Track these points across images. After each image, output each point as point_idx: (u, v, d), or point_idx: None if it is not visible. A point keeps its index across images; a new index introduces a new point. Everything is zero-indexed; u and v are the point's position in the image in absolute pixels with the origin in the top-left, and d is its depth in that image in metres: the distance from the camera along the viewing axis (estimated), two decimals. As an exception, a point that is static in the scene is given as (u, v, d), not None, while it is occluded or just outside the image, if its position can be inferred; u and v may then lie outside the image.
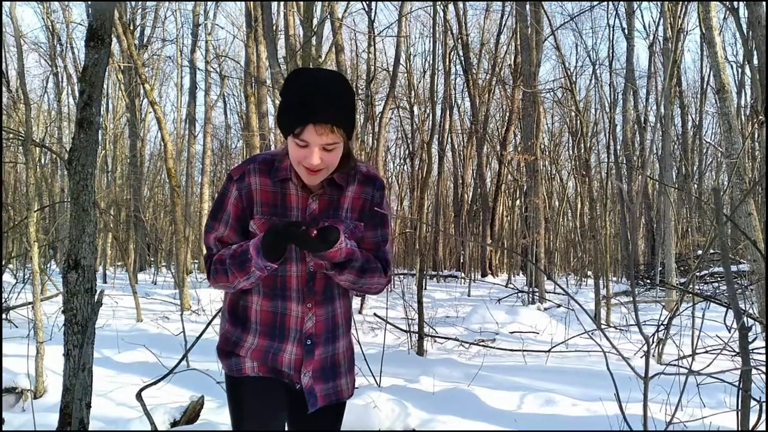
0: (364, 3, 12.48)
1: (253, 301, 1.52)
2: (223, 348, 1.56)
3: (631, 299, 9.88)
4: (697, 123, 21.27)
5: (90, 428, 2.83)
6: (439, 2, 8.57)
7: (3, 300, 7.32)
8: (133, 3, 16.99)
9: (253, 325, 1.52)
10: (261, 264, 1.40)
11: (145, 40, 19.21)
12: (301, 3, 11.03)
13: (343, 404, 1.63)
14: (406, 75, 22.41)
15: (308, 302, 1.50)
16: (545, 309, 9.11)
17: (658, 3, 12.22)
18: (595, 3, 14.69)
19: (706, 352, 2.60)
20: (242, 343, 1.52)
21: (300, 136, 1.36)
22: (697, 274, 10.28)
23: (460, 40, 20.45)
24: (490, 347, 5.79)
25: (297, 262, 1.49)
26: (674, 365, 1.72)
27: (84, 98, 2.72)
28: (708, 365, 1.76)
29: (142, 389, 2.93)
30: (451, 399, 3.87)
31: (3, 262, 8.91)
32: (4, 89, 20.60)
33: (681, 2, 10.11)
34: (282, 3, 12.49)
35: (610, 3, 13.50)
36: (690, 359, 3.82)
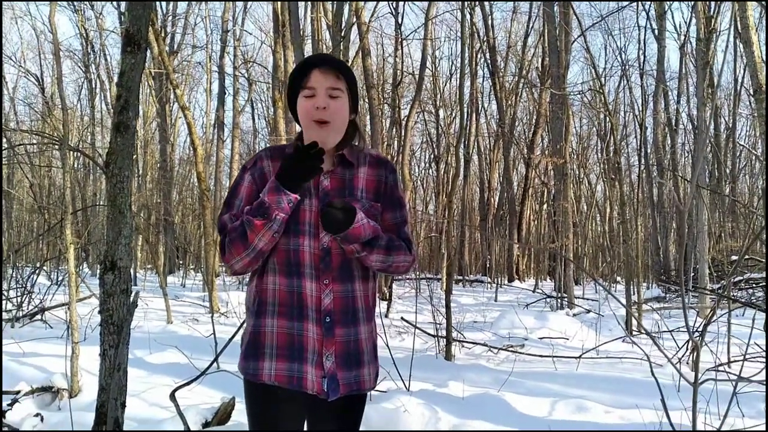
0: (391, 6, 12.50)
1: (269, 282, 1.49)
2: (244, 350, 1.54)
3: (663, 305, 9.65)
4: (731, 125, 20.79)
5: (124, 428, 2.87)
6: (467, 3, 8.53)
7: (40, 301, 7.50)
8: (165, 10, 17.33)
9: (270, 307, 1.49)
10: (283, 200, 1.41)
11: (176, 46, 19.56)
12: (330, 8, 11.10)
13: (364, 397, 1.59)
14: (431, 78, 22.38)
15: (324, 278, 1.47)
16: (574, 315, 8.98)
17: (690, 3, 11.98)
18: (625, 4, 14.46)
19: (745, 359, 2.53)
20: (264, 331, 1.49)
21: (307, 84, 1.47)
22: (732, 279, 10.01)
23: (486, 43, 20.35)
24: (520, 353, 5.72)
25: (310, 237, 1.47)
26: (722, 371, 1.67)
27: (121, 102, 2.77)
28: (757, 373, 1.70)
29: (175, 390, 2.96)
30: (481, 404, 3.83)
31: (29, 265, 9.13)
32: (39, 95, 21.16)
33: (714, 1, 9.90)
34: (309, 8, 12.60)
35: (640, 4, 13.28)
36: (729, 366, 3.73)
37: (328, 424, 1.55)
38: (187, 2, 19.39)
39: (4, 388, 3.68)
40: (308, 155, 1.42)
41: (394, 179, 1.60)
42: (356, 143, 1.61)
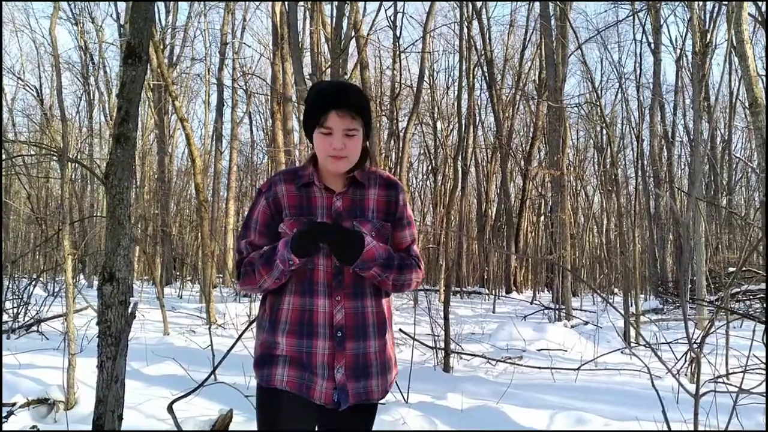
0: (389, 20, 12.59)
1: (284, 302, 1.57)
2: (257, 359, 1.60)
3: (661, 317, 9.65)
4: (726, 138, 20.90)
5: (121, 440, 2.85)
6: (465, 17, 8.61)
7: (37, 312, 7.47)
8: (164, 23, 17.42)
9: (281, 326, 1.55)
10: (286, 256, 1.48)
11: (175, 58, 19.64)
12: (329, 22, 11.18)
13: (374, 407, 1.64)
14: (429, 91, 22.49)
15: (337, 295, 1.54)
16: (572, 326, 8.96)
17: (686, 17, 12.10)
18: (623, 18, 14.59)
19: (746, 371, 2.53)
20: (276, 347, 1.56)
21: (324, 124, 1.52)
22: (730, 291, 10.02)
23: (484, 56, 20.48)
24: (518, 364, 5.70)
25: (324, 257, 1.54)
26: (721, 383, 1.67)
27: (121, 114, 2.78)
28: (758, 385, 1.70)
29: (173, 402, 2.95)
30: (480, 416, 3.82)
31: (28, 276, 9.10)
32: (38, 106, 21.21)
33: (710, 16, 9.99)
34: (308, 21, 12.69)
35: (637, 17, 13.41)
36: (727, 378, 3.73)
37: (338, 427, 1.60)
38: (187, 14, 19.50)
39: None
40: (319, 231, 1.50)
41: (403, 199, 1.66)
42: (367, 165, 1.67)
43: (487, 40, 20.57)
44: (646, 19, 14.10)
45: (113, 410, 2.80)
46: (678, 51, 17.15)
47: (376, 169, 1.66)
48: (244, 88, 21.27)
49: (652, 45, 15.46)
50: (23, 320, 7.28)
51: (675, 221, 18.76)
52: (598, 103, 9.48)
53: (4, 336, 6.61)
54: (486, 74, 21.05)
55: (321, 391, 1.52)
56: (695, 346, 4.67)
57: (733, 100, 19.42)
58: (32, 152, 11.99)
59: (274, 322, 1.57)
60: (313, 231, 1.48)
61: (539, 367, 5.47)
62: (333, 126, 1.51)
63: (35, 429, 2.71)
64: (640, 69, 17.69)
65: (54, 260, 11.70)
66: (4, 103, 23.45)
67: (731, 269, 12.18)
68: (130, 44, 2.79)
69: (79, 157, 19.74)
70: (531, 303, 14.88)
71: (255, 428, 1.70)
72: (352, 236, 1.50)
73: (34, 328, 7.08)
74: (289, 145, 13.06)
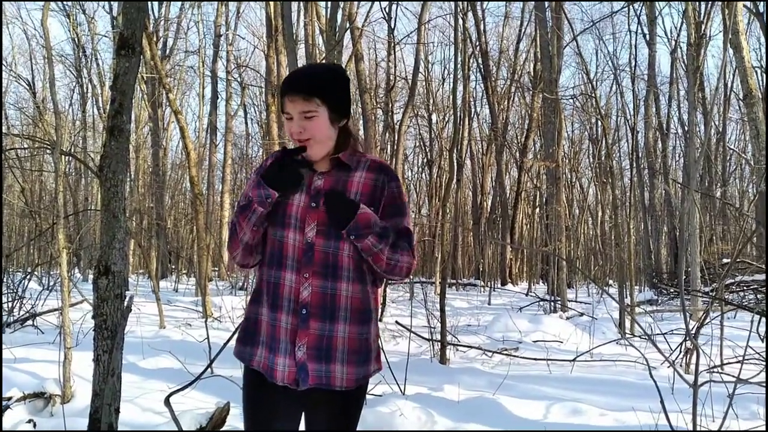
0: (384, 11, 12.53)
1: (263, 273, 1.59)
2: (239, 333, 1.63)
3: (656, 308, 9.69)
4: (721, 129, 20.95)
5: (118, 433, 2.84)
6: (460, 9, 8.58)
7: (32, 306, 7.44)
8: (157, 14, 17.28)
9: (260, 297, 1.58)
10: (262, 194, 1.51)
11: (168, 50, 19.50)
12: (323, 13, 11.12)
13: (340, 398, 1.55)
14: (424, 83, 22.43)
15: (305, 272, 1.52)
16: (568, 318, 9.00)
17: (680, 9, 12.10)
18: (618, 8, 14.57)
19: (744, 361, 2.54)
20: (253, 317, 1.59)
21: (284, 110, 1.56)
22: (724, 282, 10.07)
23: (479, 48, 20.43)
24: (514, 356, 5.72)
25: (296, 231, 1.54)
26: (716, 373, 1.67)
27: (115, 106, 2.76)
28: (757, 374, 1.71)
29: (170, 395, 2.94)
30: (477, 408, 3.83)
31: (27, 270, 9.06)
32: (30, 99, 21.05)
33: (705, 7, 9.99)
34: (302, 13, 12.61)
35: (632, 8, 13.39)
36: (722, 368, 3.75)
37: (313, 420, 1.59)
38: (180, 6, 19.35)
39: (-5, 395, 3.65)
40: (291, 156, 1.54)
41: (396, 186, 1.61)
42: (358, 149, 1.65)
43: (482, 32, 20.52)
44: (641, 11, 14.09)
45: (110, 403, 2.79)
46: (673, 42, 17.16)
47: (367, 154, 1.64)
48: (239, 80, 21.16)
49: (647, 36, 15.47)
50: (18, 314, 7.25)
51: (669, 213, 18.84)
52: (593, 95, 9.47)
53: (-1, 330, 6.59)
54: (481, 66, 21.00)
55: (283, 372, 1.50)
56: (692, 335, 4.70)
57: (728, 92, 19.45)
58: (25, 145, 11.91)
59: (255, 292, 1.60)
60: (293, 162, 1.52)
61: (535, 359, 5.49)
62: (290, 111, 1.54)
63: (32, 422, 2.70)
64: (635, 60, 17.67)
65: (48, 254, 11.64)
66: (-4, 96, 23.27)
67: (725, 260, 12.25)
68: (123, 35, 2.76)
69: (72, 150, 19.64)
70: (526, 295, 14.93)
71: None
72: (345, 196, 1.52)
73: (29, 322, 7.06)
74: (284, 137, 13.01)
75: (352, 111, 1.66)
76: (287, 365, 1.50)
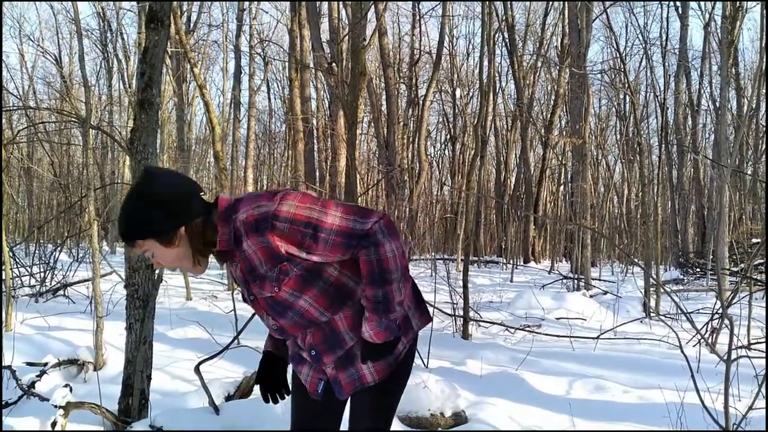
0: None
1: None
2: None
3: (682, 288, 9.55)
4: (754, 106, 20.34)
5: (150, 400, 2.93)
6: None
7: (63, 277, 7.64)
8: (181, -12, 17.23)
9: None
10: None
11: (192, 25, 19.51)
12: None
13: (374, 390, 1.60)
14: (448, 57, 22.14)
15: (297, 337, 1.63)
16: (591, 296, 8.94)
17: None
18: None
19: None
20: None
21: None
22: (753, 262, 9.87)
23: (505, 22, 20.05)
24: (537, 332, 5.72)
25: (266, 318, 1.62)
26: (744, 352, 1.65)
27: (145, 80, 2.78)
28: (790, 350, 1.69)
29: (200, 363, 3.02)
30: (499, 382, 3.86)
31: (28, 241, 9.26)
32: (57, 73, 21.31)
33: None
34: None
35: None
36: (749, 349, 3.70)
37: (352, 421, 1.70)
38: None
39: (32, 360, 3.78)
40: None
41: (283, 228, 1.42)
42: (214, 219, 1.49)
43: (509, 5, 20.10)
44: (674, -18, 13.63)
45: (142, 370, 2.87)
46: (707, 15, 16.59)
47: (236, 215, 1.45)
48: (262, 55, 21.11)
49: (680, 9, 15.00)
50: (50, 284, 7.46)
51: (698, 191, 18.47)
52: (622, 70, 9.25)
53: (32, 299, 6.79)
54: (507, 40, 20.62)
55: (306, 380, 1.71)
56: (717, 316, 4.64)
57: (764, 67, 18.82)
58: (53, 119, 12.10)
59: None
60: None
61: (558, 336, 5.48)
62: (137, 252, 1.56)
63: (68, 387, 2.80)
64: (666, 34, 17.18)
65: (77, 226, 11.88)
66: (25, 70, 23.63)
67: (755, 240, 12.00)
68: (152, 8, 2.77)
69: (100, 124, 19.89)
70: (549, 273, 14.84)
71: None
72: (381, 347, 1.56)
73: (61, 292, 7.26)
74: (306, 113, 13.00)
75: (181, 212, 1.45)
76: (311, 376, 1.68)
